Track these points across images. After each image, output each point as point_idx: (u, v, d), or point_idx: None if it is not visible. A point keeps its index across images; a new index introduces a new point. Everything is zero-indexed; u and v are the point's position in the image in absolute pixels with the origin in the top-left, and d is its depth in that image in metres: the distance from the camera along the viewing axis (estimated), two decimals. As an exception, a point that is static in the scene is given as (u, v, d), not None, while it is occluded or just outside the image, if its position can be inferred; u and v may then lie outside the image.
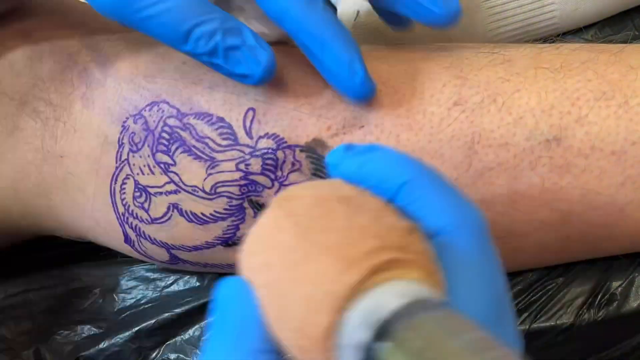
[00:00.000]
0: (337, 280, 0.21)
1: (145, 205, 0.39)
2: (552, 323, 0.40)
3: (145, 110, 0.38)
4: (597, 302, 0.40)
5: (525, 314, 0.40)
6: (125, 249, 0.42)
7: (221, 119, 0.36)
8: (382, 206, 0.24)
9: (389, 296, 0.20)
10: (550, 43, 0.46)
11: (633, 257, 0.40)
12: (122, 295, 0.50)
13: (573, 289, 0.40)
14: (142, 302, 0.50)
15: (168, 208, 0.38)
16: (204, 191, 0.37)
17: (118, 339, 0.47)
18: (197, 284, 0.48)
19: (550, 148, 0.34)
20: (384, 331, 0.20)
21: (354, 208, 0.23)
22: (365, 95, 0.35)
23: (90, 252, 0.48)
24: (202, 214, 0.38)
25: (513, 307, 0.26)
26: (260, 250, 0.24)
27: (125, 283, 0.50)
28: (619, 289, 0.40)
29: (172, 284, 0.49)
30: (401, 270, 0.21)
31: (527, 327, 0.40)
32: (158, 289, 0.49)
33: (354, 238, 0.22)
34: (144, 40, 0.41)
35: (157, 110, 0.38)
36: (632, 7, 0.51)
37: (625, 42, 0.50)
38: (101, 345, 0.47)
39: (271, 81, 0.35)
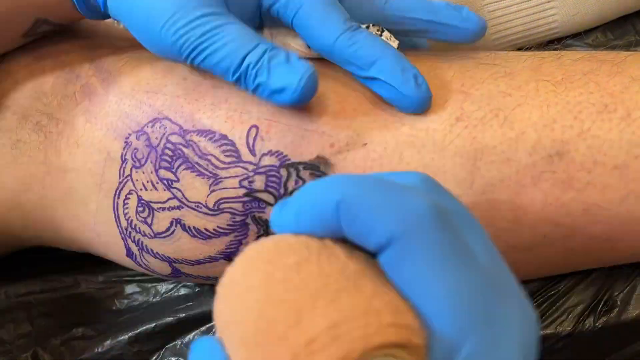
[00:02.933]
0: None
1: (148, 220, 0.39)
2: (553, 330, 0.40)
3: (147, 127, 0.38)
4: (597, 310, 0.40)
5: (526, 321, 0.41)
6: (126, 262, 0.43)
7: (224, 136, 0.36)
8: (375, 270, 0.24)
9: None
10: (551, 50, 0.47)
11: (634, 266, 0.40)
12: (122, 299, 0.50)
13: (574, 296, 0.41)
14: (142, 306, 0.50)
15: (171, 223, 0.38)
16: (207, 207, 0.37)
17: (118, 343, 0.47)
18: (197, 289, 0.48)
19: (552, 163, 0.34)
20: None
21: (355, 268, 0.23)
22: (426, 106, 0.35)
23: (91, 257, 0.48)
24: (205, 229, 0.38)
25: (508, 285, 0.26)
26: (229, 310, 0.24)
27: (126, 287, 0.51)
28: (620, 297, 0.40)
29: (172, 289, 0.49)
30: (400, 352, 0.21)
31: (528, 333, 0.40)
32: (158, 294, 0.49)
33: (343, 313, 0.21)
34: (145, 55, 0.41)
35: (160, 127, 0.38)
36: (633, 12, 0.51)
37: (627, 46, 0.50)
38: (101, 349, 0.47)
39: None
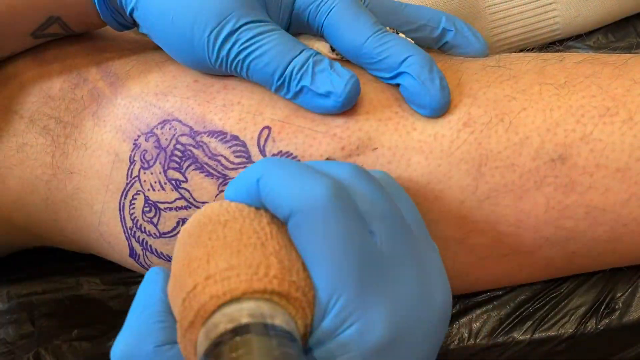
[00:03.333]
0: (213, 287, 0.26)
1: (154, 220, 0.39)
2: (555, 332, 0.40)
3: (157, 128, 0.38)
4: (599, 312, 0.40)
5: (529, 322, 0.41)
6: (128, 262, 0.43)
7: (235, 137, 0.37)
8: (289, 237, 0.29)
9: (247, 312, 0.25)
10: (553, 52, 0.47)
11: (636, 268, 0.40)
12: (125, 300, 0.50)
13: (576, 298, 0.41)
14: (145, 306, 0.50)
15: (177, 223, 0.38)
16: None
17: (120, 344, 0.47)
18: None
19: (555, 167, 0.34)
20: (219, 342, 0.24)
21: (270, 232, 0.28)
22: (443, 110, 0.36)
23: (94, 258, 0.48)
24: None
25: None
26: (175, 249, 0.30)
27: (128, 288, 0.50)
28: (622, 299, 0.40)
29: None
30: (281, 300, 0.26)
31: (530, 335, 0.41)
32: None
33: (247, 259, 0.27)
34: (152, 58, 0.41)
35: (170, 128, 0.38)
36: (634, 14, 0.51)
37: (629, 48, 0.50)
38: (103, 350, 0.47)
39: (289, 102, 0.37)
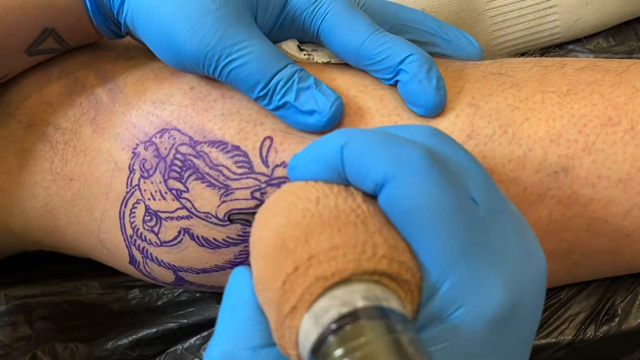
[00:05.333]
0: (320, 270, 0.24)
1: (155, 229, 0.39)
2: (554, 339, 0.41)
3: (155, 137, 0.38)
4: (599, 319, 0.40)
5: (528, 329, 0.41)
6: (129, 269, 0.42)
7: (236, 147, 0.36)
8: (385, 216, 0.26)
9: (361, 295, 0.23)
10: (553, 55, 0.47)
11: (636, 275, 0.40)
12: (124, 302, 0.50)
13: (576, 305, 0.41)
14: (143, 311, 0.50)
15: (179, 232, 0.38)
16: (217, 218, 0.37)
17: (118, 347, 0.47)
18: (198, 294, 0.48)
19: (558, 179, 0.34)
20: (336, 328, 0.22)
21: (367, 209, 0.26)
22: (438, 111, 0.36)
23: (93, 261, 0.48)
24: (214, 239, 0.38)
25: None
26: (257, 231, 0.28)
27: (128, 291, 0.50)
28: (621, 306, 0.40)
29: (173, 294, 0.49)
30: (391, 283, 0.24)
31: (529, 341, 0.41)
32: (160, 299, 0.49)
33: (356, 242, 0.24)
34: (149, 66, 0.41)
35: (169, 137, 0.38)
36: (634, 18, 0.51)
37: (629, 52, 0.50)
38: (101, 353, 0.47)
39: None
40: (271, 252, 0.25)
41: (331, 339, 0.22)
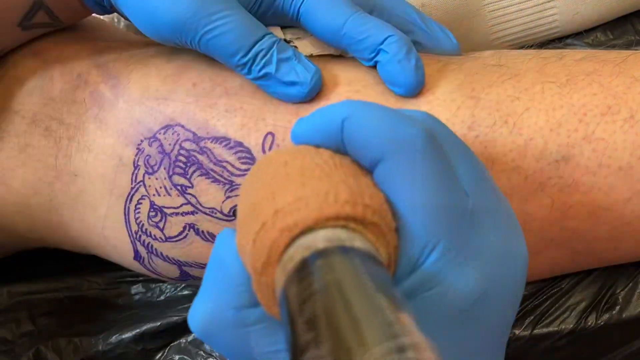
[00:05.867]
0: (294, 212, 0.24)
1: (160, 225, 0.39)
2: (555, 328, 0.41)
3: (159, 133, 0.38)
4: (600, 307, 0.40)
5: (530, 318, 0.41)
6: (133, 265, 0.43)
7: (239, 143, 0.37)
8: (355, 169, 0.27)
9: (323, 238, 0.23)
10: (552, 49, 0.47)
11: (637, 264, 0.41)
12: (127, 297, 0.50)
13: (577, 293, 0.41)
14: (146, 304, 0.50)
15: (184, 227, 0.39)
16: (222, 213, 0.37)
17: (122, 341, 0.47)
18: (202, 287, 0.48)
19: (559, 168, 0.34)
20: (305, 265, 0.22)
21: (334, 164, 0.27)
22: (416, 91, 0.36)
23: (96, 257, 0.48)
24: None
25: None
26: (242, 194, 0.28)
27: (131, 286, 0.51)
28: (622, 294, 0.40)
29: (176, 288, 0.50)
30: (358, 226, 0.24)
31: (530, 331, 0.41)
32: (163, 294, 0.50)
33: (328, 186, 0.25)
34: (152, 61, 0.41)
35: (173, 134, 0.38)
36: (632, 12, 0.51)
37: (627, 45, 0.50)
38: (105, 347, 0.47)
39: (291, 107, 0.37)
40: (244, 218, 0.26)
41: (293, 281, 0.22)
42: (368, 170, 0.27)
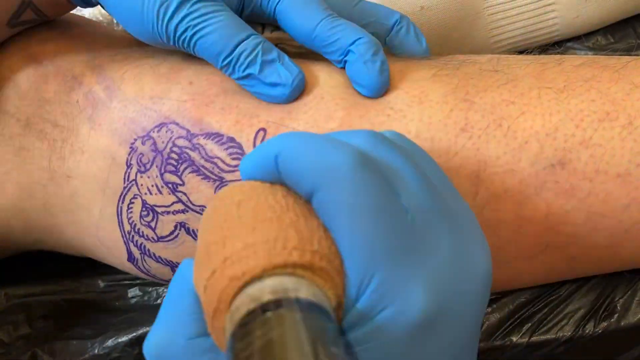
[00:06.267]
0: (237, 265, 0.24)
1: (152, 224, 0.39)
2: (553, 335, 0.40)
3: (153, 132, 0.38)
4: (598, 315, 0.40)
5: (527, 325, 0.41)
6: (127, 267, 0.42)
7: (231, 139, 0.37)
8: (307, 208, 0.27)
9: (269, 289, 0.23)
10: (552, 53, 0.47)
11: (635, 271, 0.40)
12: (124, 301, 0.50)
13: (575, 300, 0.41)
14: (143, 308, 0.50)
15: (175, 227, 0.38)
16: None
17: (118, 344, 0.47)
18: (198, 292, 0.48)
19: (555, 172, 0.34)
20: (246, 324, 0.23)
21: (286, 204, 0.27)
22: (380, 92, 0.37)
23: (92, 259, 0.48)
24: None
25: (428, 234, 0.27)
26: (199, 233, 0.28)
27: (127, 289, 0.50)
28: (620, 302, 0.40)
29: (173, 291, 0.49)
30: (306, 272, 0.24)
31: (528, 338, 0.41)
32: (159, 297, 0.50)
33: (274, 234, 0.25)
34: (146, 62, 0.41)
35: (166, 132, 0.38)
36: (633, 15, 0.51)
37: (628, 49, 0.50)
38: (101, 350, 0.47)
39: (284, 105, 0.37)
40: (198, 259, 0.27)
41: (237, 335, 0.22)
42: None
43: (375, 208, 0.26)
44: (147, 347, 0.28)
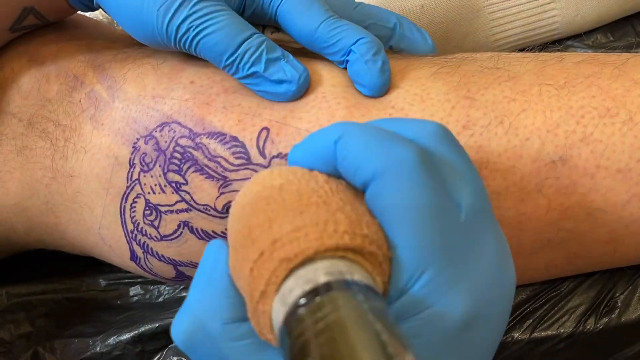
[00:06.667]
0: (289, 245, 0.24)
1: (155, 223, 0.39)
2: (554, 331, 0.41)
3: (156, 131, 0.38)
4: (599, 311, 0.40)
5: (528, 321, 0.41)
6: (130, 266, 0.43)
7: (234, 138, 0.37)
8: (351, 194, 0.27)
9: (324, 271, 0.23)
10: (552, 52, 0.47)
11: (636, 267, 0.40)
12: (125, 299, 0.50)
13: (576, 297, 0.41)
14: (145, 306, 0.50)
15: (178, 225, 0.38)
16: (216, 210, 0.37)
17: (120, 342, 0.47)
18: (200, 289, 0.48)
19: (556, 168, 0.34)
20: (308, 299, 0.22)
21: (330, 189, 0.27)
22: (381, 92, 0.37)
23: (94, 258, 0.48)
24: (213, 231, 0.38)
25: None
26: (230, 221, 0.28)
27: (129, 287, 0.51)
28: (621, 298, 0.40)
29: (174, 290, 0.50)
30: (356, 257, 0.24)
31: (529, 334, 0.41)
32: (161, 295, 0.50)
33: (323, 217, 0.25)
34: (147, 61, 0.42)
35: (169, 131, 0.38)
36: (633, 13, 0.51)
37: (628, 47, 0.50)
38: (103, 348, 0.47)
39: (287, 104, 0.37)
40: (240, 243, 0.26)
41: (295, 316, 0.22)
42: (361, 190, 0.27)
43: (434, 205, 0.26)
44: (176, 333, 0.27)
